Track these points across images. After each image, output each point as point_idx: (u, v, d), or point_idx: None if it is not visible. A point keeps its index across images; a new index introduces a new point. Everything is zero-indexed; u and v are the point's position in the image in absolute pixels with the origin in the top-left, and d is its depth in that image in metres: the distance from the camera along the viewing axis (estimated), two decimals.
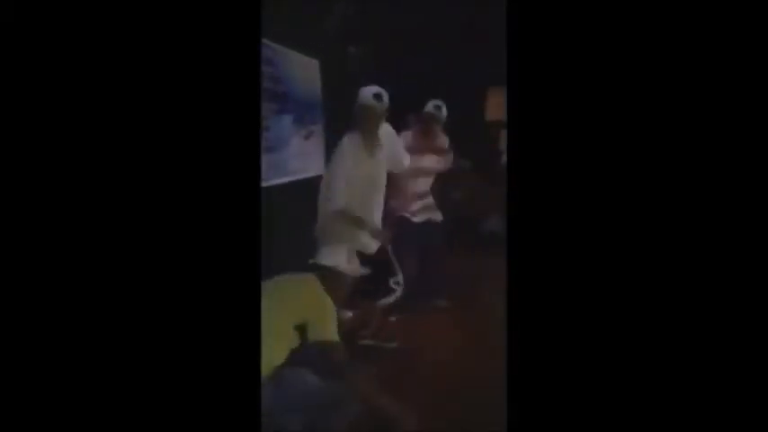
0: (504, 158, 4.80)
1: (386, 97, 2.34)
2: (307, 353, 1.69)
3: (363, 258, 2.21)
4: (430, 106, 3.04)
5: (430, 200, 3.21)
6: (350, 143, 2.36)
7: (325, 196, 2.37)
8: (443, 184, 3.41)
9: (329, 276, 1.86)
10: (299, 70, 3.18)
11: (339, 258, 1.92)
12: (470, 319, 3.08)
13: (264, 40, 2.57)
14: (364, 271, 2.08)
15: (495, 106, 5.52)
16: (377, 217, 2.49)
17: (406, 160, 2.66)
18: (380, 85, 2.36)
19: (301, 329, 1.68)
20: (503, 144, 5.23)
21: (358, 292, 2.18)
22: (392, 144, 2.55)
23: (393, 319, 2.88)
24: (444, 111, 3.04)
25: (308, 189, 2.67)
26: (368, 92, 2.33)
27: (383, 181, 2.52)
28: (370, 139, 2.39)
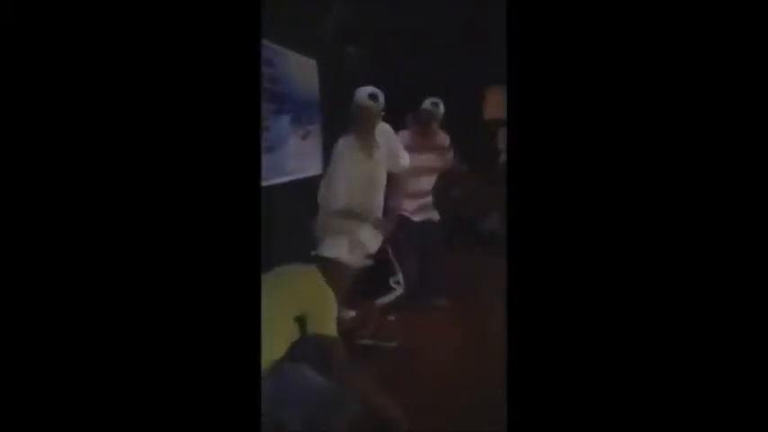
0: (504, 157, 4.79)
1: (381, 97, 2.34)
2: (306, 347, 1.68)
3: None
4: (427, 103, 3.03)
5: (430, 199, 3.20)
6: (347, 143, 2.36)
7: (325, 196, 2.37)
8: (443, 184, 3.40)
9: (330, 267, 1.84)
10: (297, 70, 3.18)
11: (341, 250, 1.90)
12: (470, 318, 3.07)
13: (263, 41, 2.57)
14: (368, 262, 2.04)
15: (494, 105, 5.52)
16: (377, 216, 2.49)
17: (406, 159, 2.65)
18: (379, 84, 2.36)
19: (301, 321, 1.67)
20: (502, 143, 5.22)
21: (358, 292, 2.17)
22: (391, 143, 2.55)
23: (392, 318, 2.88)
24: (441, 107, 3.02)
25: (306, 189, 2.67)
26: (363, 92, 2.33)
27: (383, 180, 2.52)
28: (368, 139, 2.39)
